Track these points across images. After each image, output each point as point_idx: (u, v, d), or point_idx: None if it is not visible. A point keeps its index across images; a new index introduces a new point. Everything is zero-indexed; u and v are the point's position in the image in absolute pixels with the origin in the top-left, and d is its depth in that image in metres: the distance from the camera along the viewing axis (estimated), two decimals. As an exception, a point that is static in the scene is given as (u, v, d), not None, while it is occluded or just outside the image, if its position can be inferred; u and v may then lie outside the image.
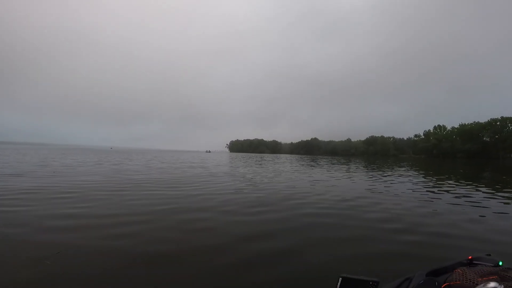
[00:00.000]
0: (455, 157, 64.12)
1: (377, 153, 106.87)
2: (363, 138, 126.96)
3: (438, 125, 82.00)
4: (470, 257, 1.25)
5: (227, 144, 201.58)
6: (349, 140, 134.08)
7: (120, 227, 3.48)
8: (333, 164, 24.09)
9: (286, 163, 23.21)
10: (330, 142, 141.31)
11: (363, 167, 20.37)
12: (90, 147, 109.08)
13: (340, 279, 0.87)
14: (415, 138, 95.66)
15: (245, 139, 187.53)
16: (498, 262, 1.19)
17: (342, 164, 23.39)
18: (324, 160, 35.77)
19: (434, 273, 1.13)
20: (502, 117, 62.47)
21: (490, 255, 1.32)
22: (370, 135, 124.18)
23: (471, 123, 70.19)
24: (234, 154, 75.36)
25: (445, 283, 0.97)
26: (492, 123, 63.75)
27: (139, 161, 19.47)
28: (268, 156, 54.77)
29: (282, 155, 79.15)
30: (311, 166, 19.81)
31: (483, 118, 69.36)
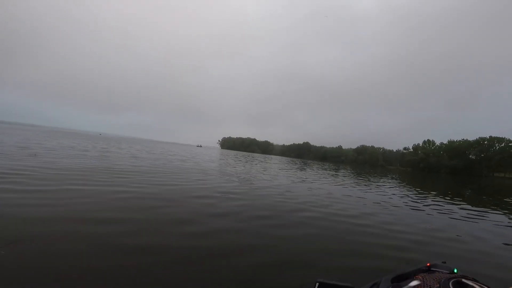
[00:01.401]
0: (439, 172, 65.63)
1: (366, 162, 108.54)
2: (354, 146, 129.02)
3: (428, 140, 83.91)
4: (428, 264, 1.34)
5: (219, 140, 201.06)
6: (340, 147, 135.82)
7: (88, 224, 3.23)
8: (325, 169, 24.23)
9: (279, 167, 23.13)
10: (321, 147, 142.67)
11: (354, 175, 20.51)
12: (79, 132, 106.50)
13: (317, 283, 0.91)
14: (403, 151, 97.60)
15: (238, 137, 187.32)
16: (453, 270, 1.31)
17: (333, 170, 23.58)
18: (317, 166, 35.95)
19: (398, 279, 1.11)
20: (490, 137, 64.37)
21: (445, 262, 1.42)
22: (361, 144, 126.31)
23: (459, 140, 72.05)
24: (226, 151, 75.01)
25: None
26: (480, 141, 65.52)
27: (127, 150, 18.99)
28: (259, 156, 54.65)
29: (273, 156, 79.28)
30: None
31: (478, 134, 70.91)
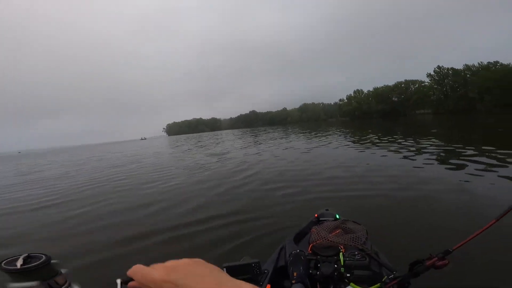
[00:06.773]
0: (372, 118, 73.87)
1: (309, 119, 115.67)
2: (297, 106, 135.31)
3: (357, 89, 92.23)
4: (316, 215, 1.41)
5: (164, 128, 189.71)
6: (285, 109, 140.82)
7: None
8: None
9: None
10: (267, 113, 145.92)
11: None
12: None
13: (224, 269, 0.89)
14: (340, 103, 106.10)
15: (183, 120, 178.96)
16: (335, 215, 1.36)
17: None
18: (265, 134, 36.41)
19: (298, 236, 1.26)
20: (405, 80, 73.98)
21: (328, 209, 1.46)
22: (304, 102, 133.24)
23: (382, 86, 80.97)
24: (174, 137, 70.88)
25: (309, 244, 1.08)
26: (398, 85, 74.87)
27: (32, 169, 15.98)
28: (208, 135, 53.04)
29: (223, 132, 78.02)
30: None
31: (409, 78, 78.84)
